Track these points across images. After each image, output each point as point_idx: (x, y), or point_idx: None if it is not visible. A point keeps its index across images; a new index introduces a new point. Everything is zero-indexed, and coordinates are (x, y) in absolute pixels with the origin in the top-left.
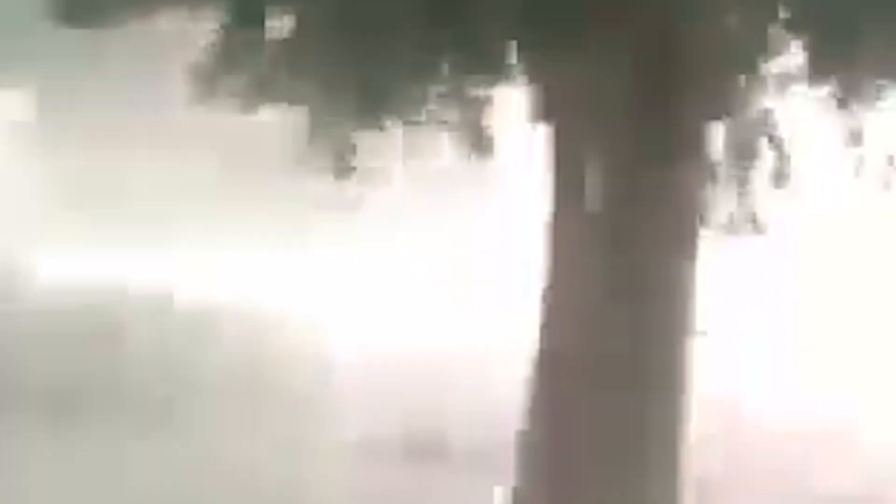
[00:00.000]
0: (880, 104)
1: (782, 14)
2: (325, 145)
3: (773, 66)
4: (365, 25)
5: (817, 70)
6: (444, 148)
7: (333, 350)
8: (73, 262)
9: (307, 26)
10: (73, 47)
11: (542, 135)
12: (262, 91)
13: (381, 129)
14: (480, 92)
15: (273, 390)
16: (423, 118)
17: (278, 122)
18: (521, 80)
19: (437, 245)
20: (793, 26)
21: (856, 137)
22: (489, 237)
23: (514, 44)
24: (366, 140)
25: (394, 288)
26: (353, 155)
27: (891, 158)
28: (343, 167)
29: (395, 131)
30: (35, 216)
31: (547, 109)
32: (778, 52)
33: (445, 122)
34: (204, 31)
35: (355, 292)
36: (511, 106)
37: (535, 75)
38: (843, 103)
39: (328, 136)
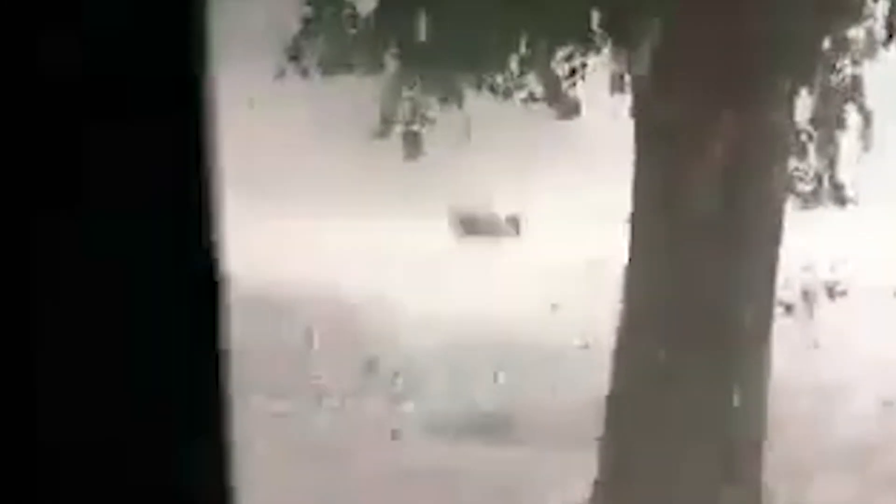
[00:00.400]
0: None
1: None
2: (398, 118)
3: (860, 31)
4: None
5: None
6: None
7: None
8: None
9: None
10: None
11: (626, 104)
12: (342, 59)
13: (460, 104)
14: (566, 61)
15: None
16: (505, 90)
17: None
18: (607, 48)
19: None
20: None
21: None
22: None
23: (597, 11)
24: (443, 114)
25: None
26: (423, 127)
27: None
28: (414, 143)
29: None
30: None
31: (631, 78)
32: (864, 16)
33: (530, 94)
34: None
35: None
36: (598, 75)
37: (619, 44)
38: None
39: (402, 109)
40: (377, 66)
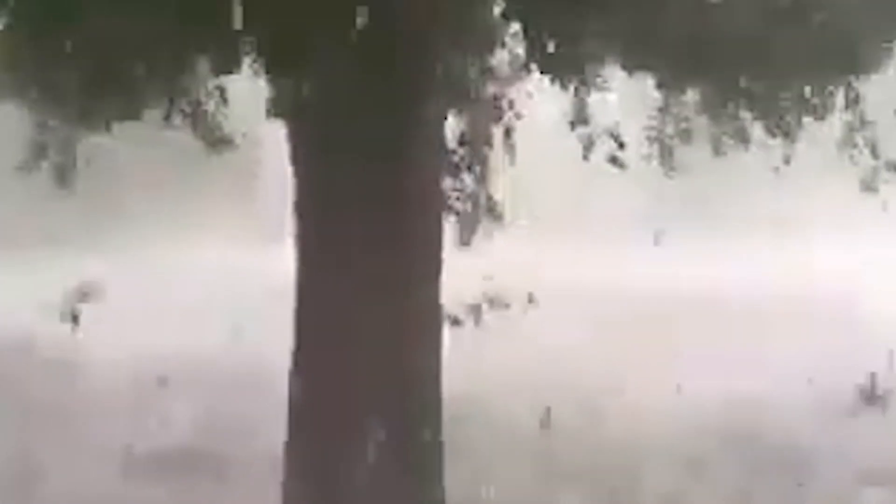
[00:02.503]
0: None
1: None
2: (48, 149)
3: (501, 55)
4: (85, 21)
5: (538, 58)
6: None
7: None
8: None
9: (22, 19)
10: None
11: (282, 132)
12: None
13: (108, 129)
14: (214, 86)
15: None
16: (154, 114)
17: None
18: (260, 74)
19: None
20: (509, 16)
21: (580, 119)
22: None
23: (248, 39)
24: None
25: None
26: (75, 159)
27: (616, 137)
28: (64, 173)
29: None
30: None
31: (282, 105)
32: (502, 42)
33: (174, 119)
34: None
35: None
36: (252, 101)
37: (270, 71)
38: (565, 86)
39: (51, 140)
40: (17, 94)
